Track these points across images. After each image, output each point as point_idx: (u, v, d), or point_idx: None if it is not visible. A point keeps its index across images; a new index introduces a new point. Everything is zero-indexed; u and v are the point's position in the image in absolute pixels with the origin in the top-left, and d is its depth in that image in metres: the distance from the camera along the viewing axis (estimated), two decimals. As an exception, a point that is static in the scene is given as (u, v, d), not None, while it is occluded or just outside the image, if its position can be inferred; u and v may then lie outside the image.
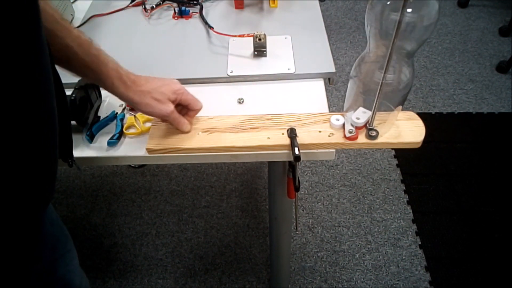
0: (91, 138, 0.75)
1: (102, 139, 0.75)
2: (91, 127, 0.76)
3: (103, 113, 0.80)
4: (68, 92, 0.71)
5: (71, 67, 0.64)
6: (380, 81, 0.62)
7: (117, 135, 0.74)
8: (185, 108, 0.72)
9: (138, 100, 0.66)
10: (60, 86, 0.60)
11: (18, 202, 0.50)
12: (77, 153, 0.73)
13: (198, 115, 0.77)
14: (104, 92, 0.83)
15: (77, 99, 0.72)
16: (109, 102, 0.83)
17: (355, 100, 0.71)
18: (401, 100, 0.69)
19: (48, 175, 0.54)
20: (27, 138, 0.47)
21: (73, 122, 0.74)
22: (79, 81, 0.75)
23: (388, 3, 0.57)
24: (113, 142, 0.73)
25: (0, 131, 0.43)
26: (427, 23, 0.57)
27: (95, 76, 0.64)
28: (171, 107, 0.68)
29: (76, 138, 0.75)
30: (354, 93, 0.70)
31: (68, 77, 0.63)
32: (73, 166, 0.69)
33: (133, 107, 0.69)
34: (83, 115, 0.76)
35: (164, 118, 0.70)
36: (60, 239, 0.76)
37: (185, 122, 0.71)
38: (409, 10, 0.54)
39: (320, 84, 0.84)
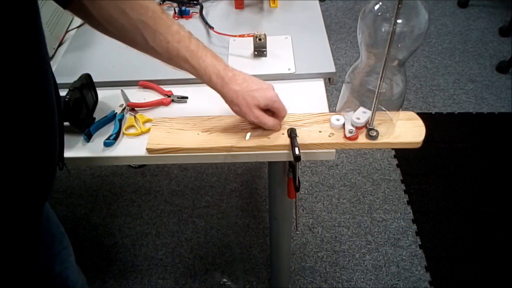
0: (88, 138, 0.74)
1: (100, 139, 0.75)
2: (89, 127, 0.75)
3: (101, 113, 0.80)
4: (63, 93, 0.71)
5: (173, 62, 0.65)
6: (376, 90, 0.63)
7: (114, 135, 0.74)
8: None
9: (230, 98, 0.66)
10: (55, 87, 0.60)
11: (19, 196, 0.50)
12: (75, 153, 0.73)
13: (198, 115, 0.77)
14: (102, 93, 0.83)
15: (71, 101, 0.71)
16: (109, 103, 0.83)
17: (348, 103, 0.72)
18: (396, 106, 0.69)
19: (48, 168, 0.55)
20: (28, 131, 0.48)
21: (66, 124, 0.73)
22: (74, 82, 0.75)
23: (379, 14, 0.57)
24: (110, 142, 0.73)
25: (3, 127, 0.43)
26: (417, 32, 0.57)
27: (195, 71, 0.65)
28: (256, 113, 0.67)
29: (74, 138, 0.75)
30: (347, 97, 0.71)
31: (63, 78, 0.63)
32: (64, 170, 0.69)
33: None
34: (78, 117, 0.75)
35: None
36: (56, 236, 0.76)
37: (274, 123, 0.69)
38: (399, 21, 0.54)
39: (320, 84, 0.84)
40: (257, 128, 0.72)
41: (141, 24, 0.60)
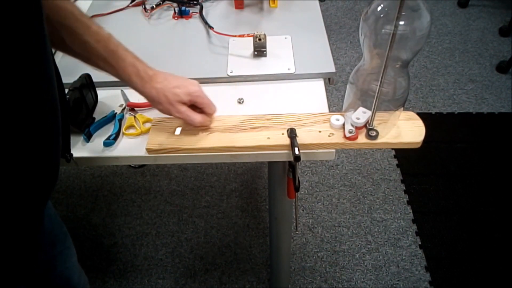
0: (88, 138, 0.74)
1: (100, 139, 0.75)
2: (89, 127, 0.75)
3: (101, 113, 0.80)
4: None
5: (91, 62, 0.65)
6: (376, 93, 0.63)
7: (114, 135, 0.74)
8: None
9: (151, 97, 0.67)
10: (60, 82, 0.61)
11: (21, 195, 0.50)
12: (75, 153, 0.73)
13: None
14: (101, 93, 0.83)
15: (70, 101, 0.71)
16: (109, 103, 0.83)
17: (353, 103, 0.72)
18: (398, 107, 0.69)
19: (51, 166, 0.55)
20: (30, 130, 0.48)
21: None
22: (73, 82, 0.75)
23: (382, 15, 0.57)
24: (109, 142, 0.73)
25: (4, 125, 0.43)
26: (419, 34, 0.57)
27: (114, 71, 0.65)
28: (180, 109, 0.67)
29: (74, 138, 0.75)
30: (352, 97, 0.71)
31: (63, 78, 0.63)
32: (71, 161, 0.69)
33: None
34: (78, 117, 0.75)
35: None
36: (58, 236, 0.76)
37: (196, 118, 0.69)
38: (401, 22, 0.54)
39: (320, 84, 0.84)
40: (259, 127, 0.72)
41: (59, 25, 0.61)
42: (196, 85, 0.69)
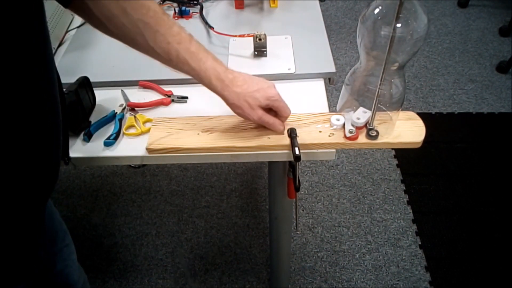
0: (88, 138, 0.74)
1: (101, 139, 0.75)
2: (84, 130, 0.75)
3: (101, 113, 0.79)
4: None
5: (172, 64, 0.65)
6: (375, 95, 0.63)
7: (114, 135, 0.74)
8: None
9: (231, 101, 0.66)
10: (59, 83, 0.61)
11: (21, 194, 0.50)
12: (75, 153, 0.73)
13: (198, 115, 0.77)
14: (102, 93, 0.83)
15: (66, 104, 0.71)
16: (109, 103, 0.83)
17: (347, 104, 0.72)
18: (395, 108, 0.69)
19: (51, 166, 0.55)
20: (30, 129, 0.48)
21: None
22: (70, 85, 0.74)
23: (379, 18, 0.58)
24: (110, 142, 0.73)
25: (4, 124, 0.43)
26: (416, 36, 0.58)
27: (194, 73, 0.65)
28: (259, 113, 0.67)
29: (74, 138, 0.75)
30: (347, 98, 0.72)
31: (63, 78, 0.63)
32: (69, 164, 0.69)
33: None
34: (75, 120, 0.74)
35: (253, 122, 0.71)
36: (58, 234, 0.76)
37: (276, 123, 0.69)
38: (398, 25, 0.55)
39: (320, 84, 0.84)
40: (259, 127, 0.72)
41: (142, 24, 0.60)
42: (273, 88, 0.69)
